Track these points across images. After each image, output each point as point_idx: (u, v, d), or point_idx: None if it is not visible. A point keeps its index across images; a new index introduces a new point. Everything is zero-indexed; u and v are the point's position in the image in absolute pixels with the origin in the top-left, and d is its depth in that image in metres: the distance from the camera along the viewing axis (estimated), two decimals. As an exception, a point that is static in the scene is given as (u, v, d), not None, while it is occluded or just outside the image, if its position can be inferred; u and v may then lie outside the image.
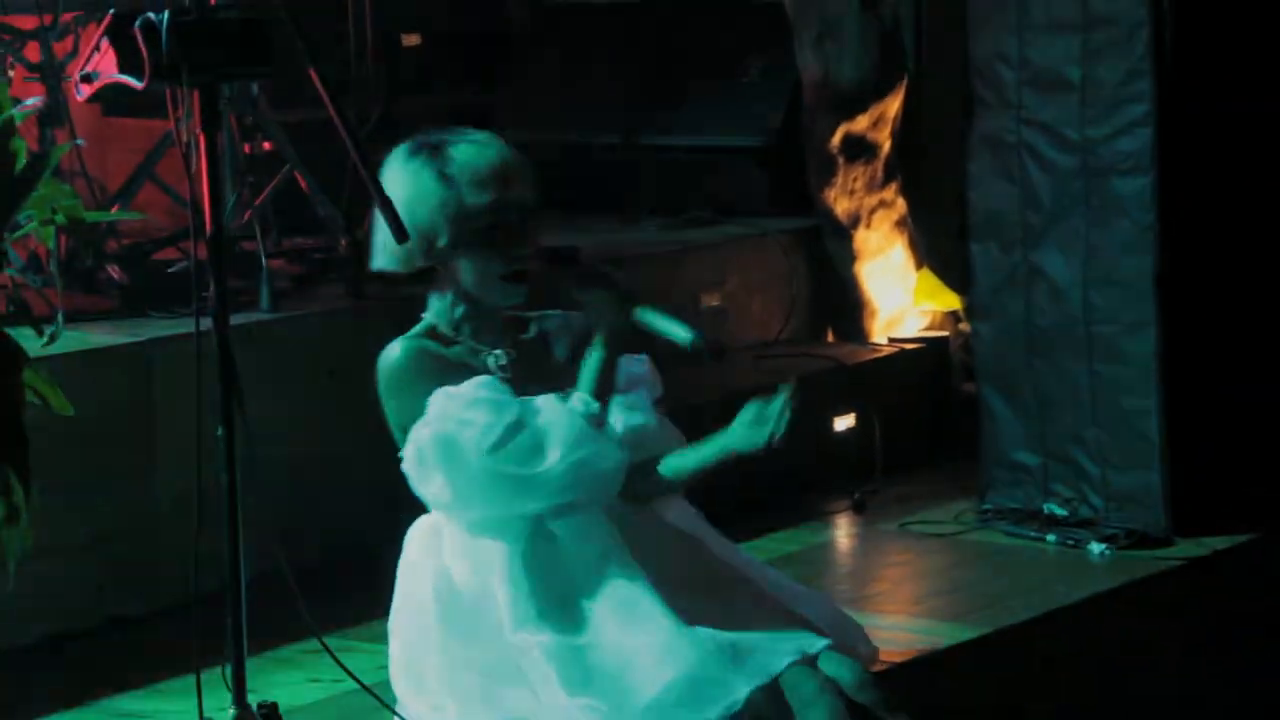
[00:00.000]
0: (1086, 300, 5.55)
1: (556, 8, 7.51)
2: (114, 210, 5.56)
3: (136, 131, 6.19)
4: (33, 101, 4.32)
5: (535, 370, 3.98)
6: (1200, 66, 5.48)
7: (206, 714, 4.01)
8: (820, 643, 3.85)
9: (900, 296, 6.82)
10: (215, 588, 4.06)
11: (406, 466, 3.95)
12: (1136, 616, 5.17)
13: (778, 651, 3.80)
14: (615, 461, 3.89)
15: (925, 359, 6.58)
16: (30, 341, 4.00)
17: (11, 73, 5.65)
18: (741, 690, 3.74)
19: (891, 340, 6.70)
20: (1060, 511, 5.60)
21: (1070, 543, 5.49)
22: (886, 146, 6.82)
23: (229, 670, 4.04)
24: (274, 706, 4.10)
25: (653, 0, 7.29)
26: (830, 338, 6.81)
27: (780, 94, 6.95)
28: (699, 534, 4.10)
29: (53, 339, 4.32)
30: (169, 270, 5.58)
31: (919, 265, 6.86)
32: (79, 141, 5.17)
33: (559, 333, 4.06)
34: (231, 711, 4.04)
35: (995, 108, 5.67)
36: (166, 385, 5.04)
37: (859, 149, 6.78)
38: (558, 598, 3.88)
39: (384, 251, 3.98)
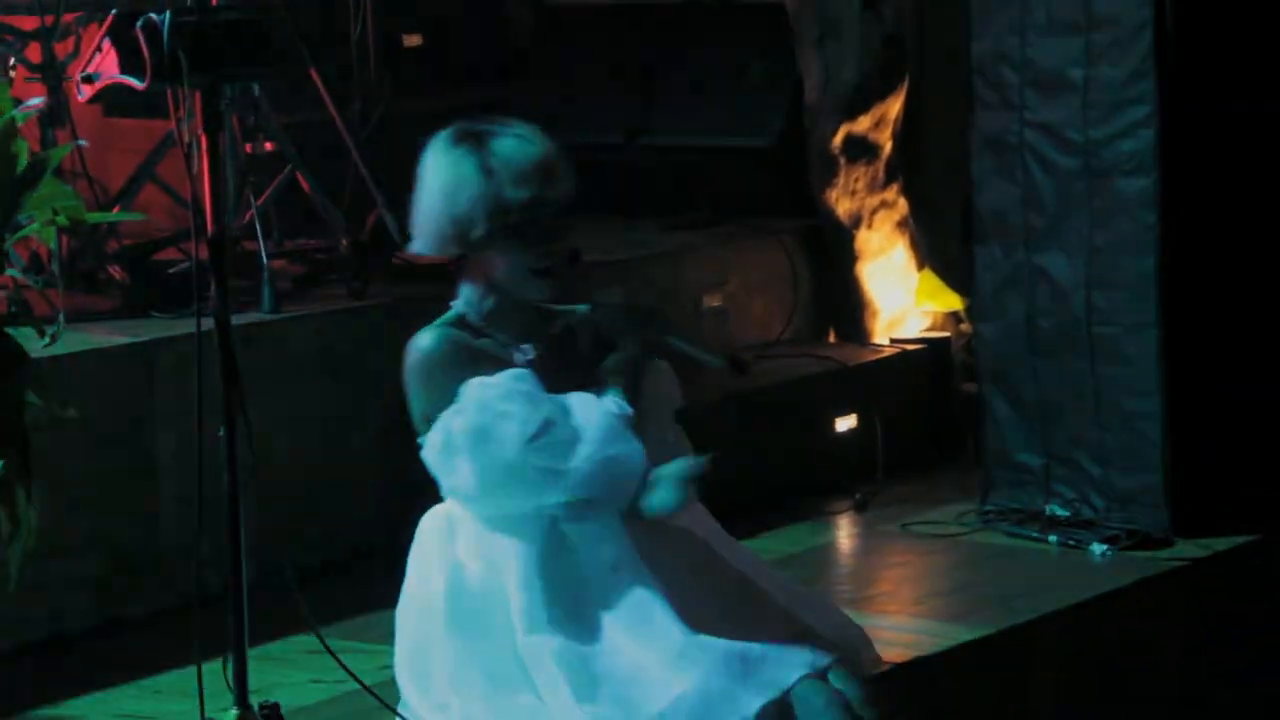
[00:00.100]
0: (1088, 301, 5.54)
1: (558, 8, 7.50)
2: (115, 211, 5.56)
3: (138, 132, 6.19)
4: (34, 102, 4.32)
5: (561, 365, 3.97)
6: (1202, 67, 5.48)
7: (208, 714, 4.01)
8: (829, 657, 3.84)
9: (902, 297, 6.82)
10: (217, 588, 4.06)
11: (428, 454, 3.93)
12: (1138, 617, 5.17)
13: (788, 664, 3.78)
14: (640, 465, 3.88)
15: (927, 360, 6.58)
16: (32, 342, 4.01)
17: (13, 73, 5.65)
18: (752, 704, 3.73)
19: (893, 341, 6.70)
20: (1062, 512, 5.60)
21: (1072, 543, 5.48)
22: (888, 147, 6.82)
23: (231, 670, 4.04)
24: (275, 707, 4.10)
25: (654, 1, 7.29)
26: (832, 338, 6.80)
27: (782, 95, 6.94)
28: (713, 540, 4.08)
29: (54, 339, 4.32)
30: (170, 271, 5.58)
31: (920, 266, 6.86)
32: (80, 142, 5.17)
33: (583, 328, 4.04)
34: (233, 712, 4.05)
35: (997, 108, 5.66)
36: (168, 386, 5.04)
37: (860, 150, 6.78)
38: (570, 603, 3.87)
39: (420, 236, 3.97)
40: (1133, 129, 5.44)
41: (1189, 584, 5.28)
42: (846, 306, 6.79)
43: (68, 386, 3.96)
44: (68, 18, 5.74)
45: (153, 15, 4.04)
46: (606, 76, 7.20)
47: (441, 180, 3.91)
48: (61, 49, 5.73)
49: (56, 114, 5.63)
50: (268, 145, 5.88)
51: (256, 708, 4.08)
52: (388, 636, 4.69)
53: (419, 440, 3.96)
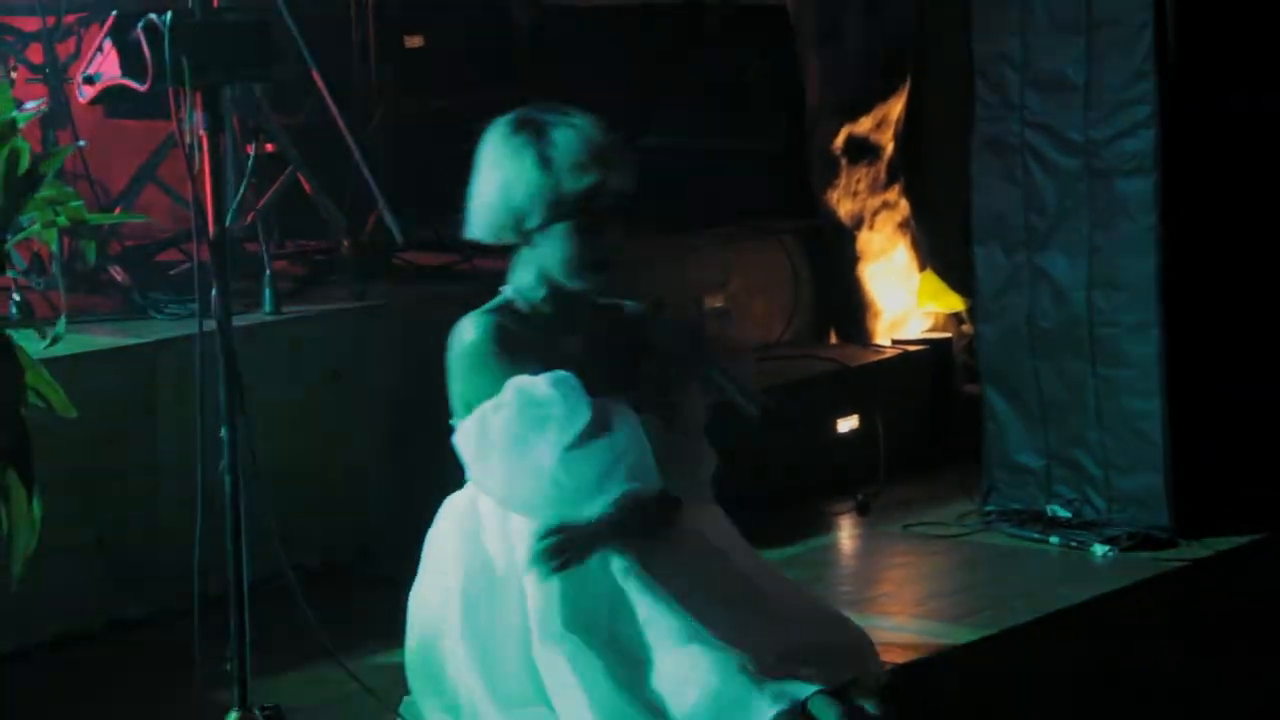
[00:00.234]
0: (1090, 302, 5.54)
1: (559, 9, 7.50)
2: (117, 212, 5.56)
3: (139, 133, 6.18)
4: (35, 103, 4.32)
5: (606, 360, 3.94)
6: (1203, 66, 5.48)
7: (210, 717, 4.01)
8: (844, 675, 3.83)
9: (903, 298, 6.82)
10: (218, 590, 4.06)
11: (460, 440, 3.90)
12: (1139, 617, 5.17)
13: (803, 678, 3.77)
14: (654, 491, 3.87)
15: (928, 361, 6.58)
16: (33, 343, 4.00)
17: (14, 74, 5.66)
18: (766, 713, 3.72)
19: (894, 342, 6.70)
20: (1063, 513, 5.60)
21: (1073, 544, 5.48)
22: (889, 148, 6.82)
23: (232, 672, 4.04)
24: (277, 708, 4.10)
25: (656, 2, 7.29)
26: (833, 339, 6.80)
27: (783, 96, 6.94)
28: (731, 547, 4.07)
29: (55, 341, 4.31)
30: (172, 272, 5.58)
31: (922, 267, 6.86)
32: (82, 143, 5.17)
33: (629, 326, 4.01)
34: (235, 713, 4.05)
35: (998, 109, 5.66)
36: (169, 387, 5.04)
37: (862, 151, 6.78)
38: (584, 609, 3.86)
39: (475, 223, 3.94)
40: (1133, 129, 5.44)
41: (1190, 584, 5.28)
42: (848, 307, 6.79)
43: (69, 388, 3.95)
44: (69, 19, 5.74)
45: (154, 16, 4.04)
46: (607, 78, 7.20)
47: (499, 169, 3.88)
48: (63, 50, 5.73)
49: (58, 115, 5.64)
50: (269, 146, 5.88)
51: (258, 710, 4.08)
52: (389, 638, 4.69)
53: (452, 422, 3.92)
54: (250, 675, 4.06)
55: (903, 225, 6.86)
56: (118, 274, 5.52)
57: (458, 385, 3.91)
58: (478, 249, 6.17)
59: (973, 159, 5.75)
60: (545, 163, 3.86)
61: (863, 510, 5.90)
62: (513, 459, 3.82)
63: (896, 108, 6.79)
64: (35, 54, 5.72)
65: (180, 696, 4.23)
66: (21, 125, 3.89)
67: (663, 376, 3.95)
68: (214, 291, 4.02)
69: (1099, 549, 5.43)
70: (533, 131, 3.91)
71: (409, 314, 5.70)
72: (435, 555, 4.02)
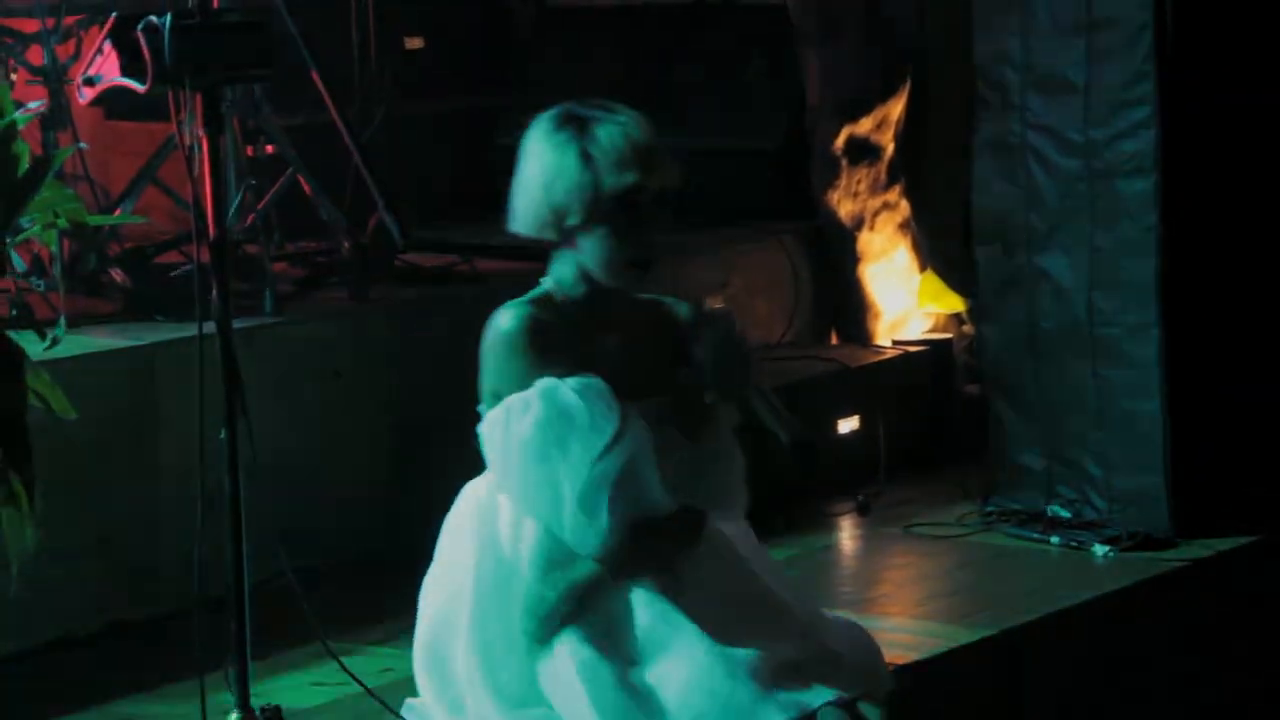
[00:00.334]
0: (1090, 302, 5.54)
1: (559, 9, 7.50)
2: (117, 214, 5.56)
3: (139, 135, 6.19)
4: (35, 105, 4.32)
5: (643, 361, 3.89)
6: (1203, 66, 5.48)
7: (210, 718, 4.01)
8: (856, 685, 3.82)
9: (904, 299, 6.82)
10: (218, 591, 4.06)
11: (485, 431, 3.85)
12: (1140, 617, 5.17)
13: (813, 688, 3.76)
14: (665, 512, 3.83)
15: (929, 361, 6.57)
16: (33, 345, 4.00)
17: (14, 76, 5.65)
18: None
19: (895, 343, 6.70)
20: (1064, 513, 5.60)
21: (1074, 544, 5.48)
22: (890, 149, 6.82)
23: (232, 674, 4.04)
24: (277, 710, 4.10)
25: (656, 2, 7.29)
26: (834, 340, 6.80)
27: (784, 96, 6.94)
28: (740, 544, 4.05)
29: (55, 342, 4.32)
30: (172, 274, 5.58)
31: (922, 267, 6.86)
32: (81, 145, 5.17)
33: (671, 323, 3.95)
34: (235, 715, 4.05)
35: (999, 110, 5.66)
36: (169, 388, 5.04)
37: (862, 151, 6.78)
38: (592, 608, 3.84)
39: (517, 218, 3.90)
40: (1134, 130, 5.44)
41: (1191, 584, 5.28)
42: (848, 308, 6.79)
43: (69, 389, 3.95)
44: (69, 20, 5.74)
45: (154, 18, 4.04)
46: (608, 77, 7.20)
47: (541, 165, 3.83)
48: (63, 52, 5.73)
49: (58, 117, 5.63)
50: (269, 148, 5.88)
51: (259, 711, 4.08)
52: (389, 639, 4.69)
53: (479, 409, 3.88)
54: (251, 676, 4.06)
55: (903, 226, 6.86)
56: (118, 276, 5.52)
57: (488, 374, 3.86)
58: (477, 250, 6.23)
59: (973, 160, 5.75)
60: (586, 160, 3.81)
61: (863, 510, 5.90)
62: (531, 472, 3.78)
63: (897, 108, 6.79)
64: (35, 56, 5.72)
65: (181, 697, 4.23)
66: (21, 127, 3.89)
67: (698, 389, 3.89)
68: (214, 293, 4.02)
69: (1099, 549, 5.43)
70: (576, 127, 3.85)
71: (409, 315, 5.70)
72: (450, 543, 3.96)
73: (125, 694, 4.59)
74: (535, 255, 6.26)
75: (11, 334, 3.87)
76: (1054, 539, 5.52)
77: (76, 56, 5.72)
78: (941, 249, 6.79)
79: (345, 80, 6.32)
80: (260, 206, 5.74)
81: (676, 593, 3.82)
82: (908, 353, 6.59)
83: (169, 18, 3.98)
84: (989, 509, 5.73)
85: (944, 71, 6.68)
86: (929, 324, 6.83)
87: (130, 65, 5.21)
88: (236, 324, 4.09)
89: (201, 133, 4.03)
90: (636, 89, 7.12)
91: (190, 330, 4.09)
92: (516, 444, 3.77)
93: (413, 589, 4.98)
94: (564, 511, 3.77)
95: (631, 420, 3.78)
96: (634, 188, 3.80)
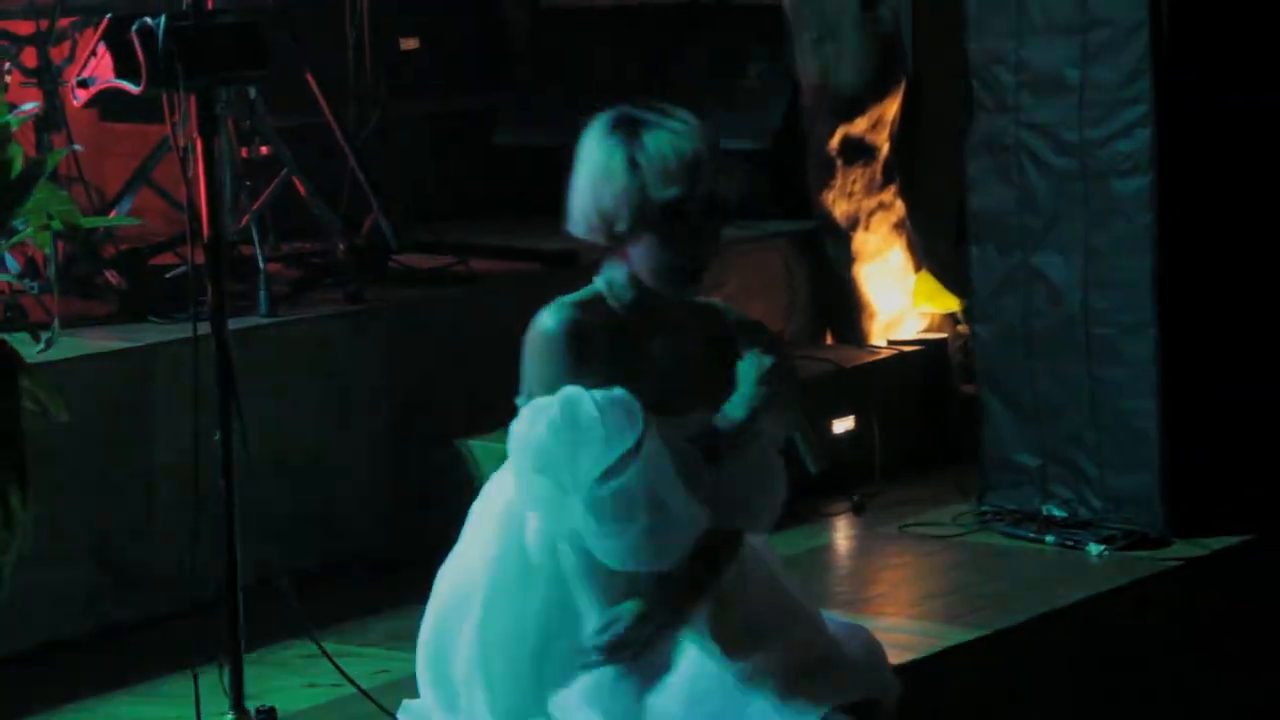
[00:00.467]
0: (1085, 302, 5.54)
1: (554, 10, 7.50)
2: (111, 215, 5.56)
3: (133, 136, 6.19)
4: (29, 106, 4.32)
5: (691, 370, 3.84)
6: (1198, 64, 5.48)
7: (204, 719, 4.01)
8: (867, 695, 3.81)
9: (899, 299, 6.82)
10: (213, 593, 4.06)
11: (514, 425, 3.82)
12: (1135, 617, 5.17)
13: (821, 694, 3.75)
14: (687, 537, 3.80)
15: (924, 361, 6.58)
16: (27, 347, 4.01)
17: (8, 78, 5.65)
18: None
19: (890, 342, 6.70)
20: (1059, 513, 5.60)
21: (1069, 544, 5.49)
22: (885, 149, 6.82)
23: (227, 675, 4.04)
24: (272, 711, 4.10)
25: (651, 2, 7.29)
26: (829, 340, 6.80)
27: (778, 96, 6.94)
28: (766, 556, 4.04)
29: (49, 345, 4.32)
30: (167, 275, 5.58)
31: (917, 267, 6.86)
32: (76, 147, 5.17)
33: (724, 334, 3.87)
34: (230, 716, 4.05)
35: (994, 110, 5.67)
36: (164, 390, 5.04)
37: (857, 151, 6.78)
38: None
39: (572, 220, 3.87)
40: (1129, 129, 5.44)
41: (1186, 583, 5.28)
42: (844, 308, 6.79)
43: (63, 391, 3.95)
44: (63, 22, 5.74)
45: (148, 19, 4.04)
46: (602, 78, 7.20)
47: (591, 169, 3.78)
48: (57, 53, 5.73)
49: (52, 118, 5.64)
50: (263, 149, 5.88)
51: (253, 712, 4.08)
52: (384, 641, 4.70)
53: (517, 400, 3.85)
54: (245, 678, 4.06)
55: (898, 226, 6.86)
56: (112, 278, 5.52)
57: (525, 370, 3.82)
58: (473, 251, 6.23)
59: (968, 159, 5.75)
60: (633, 168, 3.75)
61: (859, 510, 5.90)
62: (538, 477, 3.76)
63: (892, 108, 6.79)
64: (29, 58, 5.72)
65: (175, 699, 4.23)
66: (15, 129, 3.89)
67: (733, 427, 3.84)
68: (209, 295, 4.02)
69: (1094, 548, 5.43)
70: (626, 133, 3.79)
71: (404, 317, 5.70)
72: (473, 532, 3.92)
73: (119, 697, 4.58)
74: (530, 256, 6.29)
75: (5, 336, 3.87)
76: (1049, 538, 5.53)
77: (71, 58, 5.72)
78: (936, 249, 6.79)
79: (340, 81, 6.32)
80: (255, 208, 5.74)
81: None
82: (903, 353, 6.59)
83: (163, 19, 3.98)
84: (984, 508, 5.73)
85: (938, 71, 6.68)
86: (924, 324, 6.83)
87: (124, 67, 5.19)
88: (231, 325, 4.10)
89: (196, 134, 4.03)
90: (631, 89, 7.13)
91: (185, 332, 4.09)
92: (530, 447, 3.75)
93: (408, 590, 4.98)
94: (575, 521, 3.74)
95: (651, 438, 3.74)
96: (679, 199, 3.76)
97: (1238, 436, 5.61)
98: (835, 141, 6.75)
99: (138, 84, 4.26)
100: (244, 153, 5.84)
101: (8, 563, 3.75)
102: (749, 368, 3.78)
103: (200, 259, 4.06)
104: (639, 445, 3.70)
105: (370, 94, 6.41)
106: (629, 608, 3.77)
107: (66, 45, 5.78)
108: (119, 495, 4.99)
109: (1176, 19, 5.42)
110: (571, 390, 3.72)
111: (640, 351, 3.82)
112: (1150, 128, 5.42)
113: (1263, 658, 5.35)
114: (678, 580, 3.78)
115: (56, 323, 4.78)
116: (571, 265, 6.13)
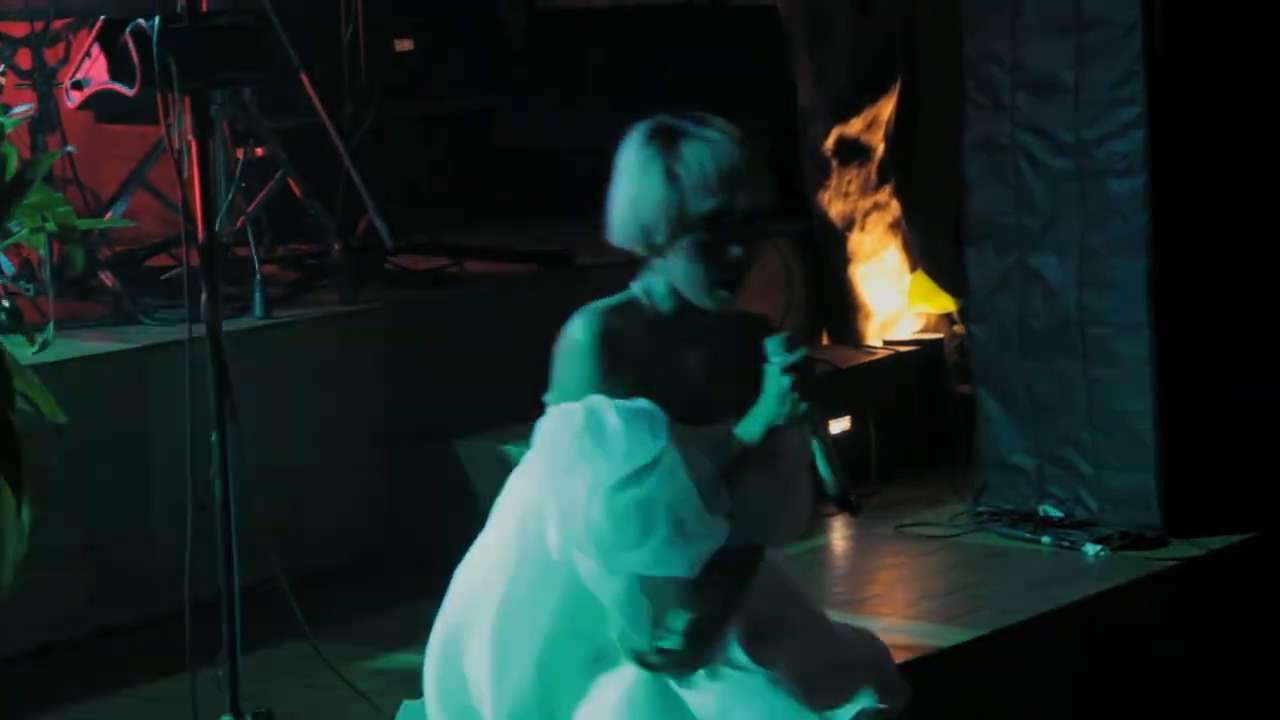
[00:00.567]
0: (1081, 302, 5.54)
1: (550, 11, 7.50)
2: (106, 217, 5.55)
3: (129, 138, 6.18)
4: (24, 108, 4.32)
5: (724, 378, 3.80)
6: (1193, 65, 5.48)
7: (201, 721, 4.01)
8: (879, 702, 3.81)
9: (895, 299, 6.82)
10: (209, 595, 4.06)
11: (544, 425, 3.80)
12: (1131, 617, 5.17)
13: (845, 701, 3.74)
14: (704, 550, 3.77)
15: (920, 361, 6.57)
16: (22, 349, 4.00)
17: (3, 79, 5.64)
18: None
19: (886, 343, 6.69)
20: (1055, 513, 5.60)
21: (1065, 544, 5.48)
22: (880, 149, 6.81)
23: (224, 677, 4.04)
24: (269, 713, 4.10)
25: (647, 3, 7.29)
26: (825, 340, 6.80)
27: (774, 97, 6.94)
28: (780, 563, 4.04)
29: (44, 346, 4.32)
30: (162, 277, 5.57)
31: (913, 268, 6.86)
32: (70, 149, 5.16)
33: (754, 338, 3.83)
34: (226, 718, 4.04)
35: (989, 110, 5.66)
36: (159, 392, 5.04)
37: (853, 152, 6.77)
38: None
39: (612, 229, 3.85)
40: (1124, 129, 5.44)
41: (1182, 584, 5.28)
42: (840, 309, 6.79)
43: (59, 393, 3.95)
44: (58, 24, 5.74)
45: (142, 21, 4.04)
46: (598, 79, 7.20)
47: (629, 180, 3.76)
48: (51, 55, 5.73)
49: (47, 120, 5.64)
50: (259, 150, 5.88)
51: (250, 715, 4.07)
52: (379, 642, 4.69)
53: (546, 397, 3.84)
54: (242, 680, 4.05)
55: (894, 226, 6.86)
56: (107, 279, 5.51)
57: (556, 372, 3.81)
58: (468, 252, 6.23)
59: (964, 160, 5.75)
60: (671, 179, 3.72)
61: (855, 511, 5.88)
62: (555, 481, 3.74)
63: (887, 109, 6.79)
64: (24, 59, 5.72)
65: (172, 701, 4.23)
66: (10, 130, 3.89)
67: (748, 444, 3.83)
68: (204, 296, 4.02)
69: (1091, 549, 5.43)
70: (664, 143, 3.75)
71: (400, 318, 5.70)
72: (494, 529, 3.91)
73: (116, 699, 4.58)
74: (526, 258, 6.29)
75: (0, 337, 3.86)
76: (1045, 539, 5.52)
77: (65, 60, 5.72)
78: (932, 249, 6.79)
79: (335, 82, 6.31)
80: (250, 209, 5.74)
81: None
82: (899, 353, 6.59)
83: (157, 21, 3.97)
84: (980, 509, 5.73)
85: (934, 72, 6.68)
86: (920, 324, 6.83)
87: (119, 69, 5.20)
88: (227, 327, 4.09)
89: (190, 136, 4.02)
90: (626, 90, 7.15)
91: (180, 333, 4.08)
92: (551, 450, 3.74)
93: (404, 592, 4.99)
94: (587, 534, 3.73)
95: (671, 452, 3.73)
96: (717, 211, 3.74)
97: (1233, 436, 5.61)
98: (830, 142, 6.74)
99: (132, 86, 4.26)
100: (239, 154, 5.84)
101: (4, 565, 3.74)
102: (771, 383, 3.76)
103: (195, 261, 4.06)
104: (659, 459, 3.69)
105: (365, 95, 6.41)
106: (679, 622, 3.75)
107: (61, 47, 5.78)
108: (115, 497, 4.99)
109: (1170, 20, 5.42)
110: (597, 399, 3.70)
111: (674, 361, 3.80)
112: (1145, 128, 5.41)
113: (1260, 658, 5.35)
114: (710, 596, 3.77)
115: (52, 324, 4.78)
116: (567, 266, 6.14)
